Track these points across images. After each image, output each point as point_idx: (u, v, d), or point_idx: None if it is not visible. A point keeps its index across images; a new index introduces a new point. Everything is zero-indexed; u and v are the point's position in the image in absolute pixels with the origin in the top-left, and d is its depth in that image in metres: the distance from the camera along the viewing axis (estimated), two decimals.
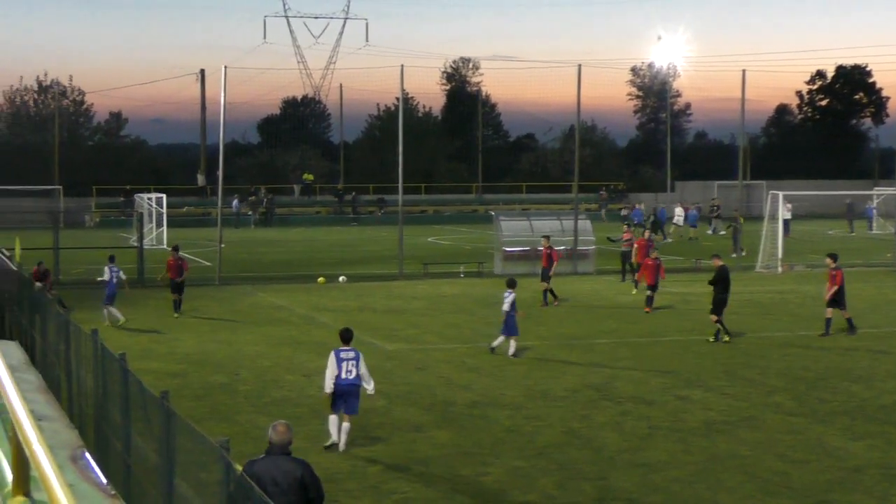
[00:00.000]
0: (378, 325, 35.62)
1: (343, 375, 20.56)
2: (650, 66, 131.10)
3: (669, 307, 39.32)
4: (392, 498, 17.80)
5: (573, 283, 46.80)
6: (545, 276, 41.33)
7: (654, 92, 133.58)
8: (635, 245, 45.68)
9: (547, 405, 24.12)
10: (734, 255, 56.88)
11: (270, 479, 12.64)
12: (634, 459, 20.04)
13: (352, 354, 20.77)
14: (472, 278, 50.30)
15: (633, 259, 45.42)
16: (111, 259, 37.68)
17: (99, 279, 37.33)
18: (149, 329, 35.05)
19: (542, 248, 43.11)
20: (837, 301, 33.41)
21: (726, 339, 32.33)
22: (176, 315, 37.44)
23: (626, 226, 52.98)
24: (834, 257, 34.03)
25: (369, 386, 21.00)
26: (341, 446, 20.69)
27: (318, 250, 66.11)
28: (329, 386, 20.73)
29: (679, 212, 79.76)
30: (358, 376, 20.69)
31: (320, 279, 48.09)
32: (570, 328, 35.27)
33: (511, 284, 30.49)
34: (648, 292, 38.65)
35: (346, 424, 20.80)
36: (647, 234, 47.53)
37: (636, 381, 26.74)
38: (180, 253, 39.70)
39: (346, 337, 21.21)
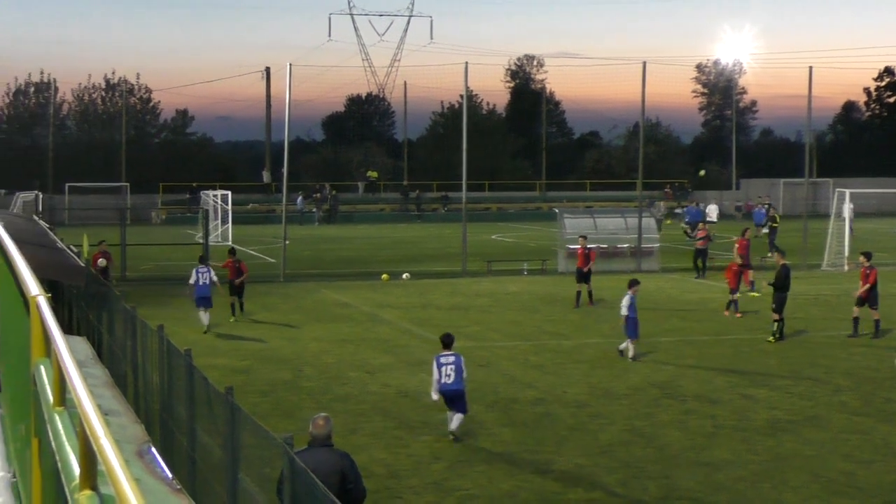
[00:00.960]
0: (441, 323, 35.57)
1: (442, 380, 20.84)
2: (716, 63, 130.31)
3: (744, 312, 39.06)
4: (455, 495, 17.82)
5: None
6: (583, 277, 40.21)
7: (719, 89, 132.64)
8: (736, 245, 42.43)
9: (610, 403, 24.05)
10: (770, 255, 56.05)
11: (312, 471, 12.68)
12: (698, 458, 19.95)
13: (451, 359, 21.01)
14: (536, 276, 50.21)
15: (735, 257, 42.93)
16: (201, 260, 36.52)
17: (191, 282, 34.83)
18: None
19: (577, 248, 41.98)
20: (868, 301, 32.97)
21: (771, 339, 32.00)
22: (233, 319, 36.01)
23: (701, 223, 52.41)
24: (868, 255, 33.63)
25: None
26: (451, 426, 21.19)
27: (382, 247, 66.23)
28: (434, 395, 21.21)
29: (713, 209, 79.01)
30: (457, 381, 20.89)
31: (384, 276, 48.18)
32: None
33: (632, 284, 29.98)
34: (732, 296, 37.44)
35: (458, 415, 21.24)
36: (747, 232, 43.74)
37: (700, 379, 26.60)
38: (236, 256, 38.15)
39: (446, 342, 21.53)
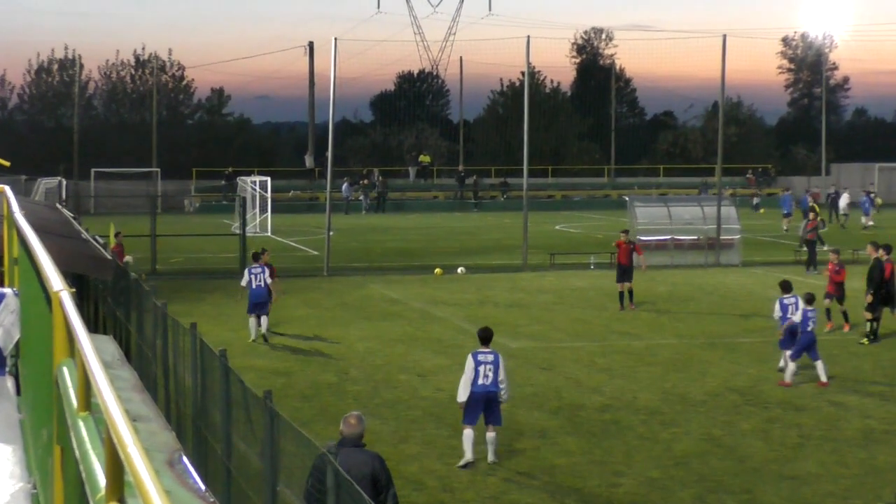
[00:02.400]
0: (500, 321, 35.57)
1: (479, 381, 20.13)
2: (803, 36, 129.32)
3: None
4: None
5: (715, 276, 46.45)
6: (624, 275, 38.90)
7: (807, 65, 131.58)
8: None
9: (685, 410, 23.98)
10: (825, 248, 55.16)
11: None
12: (783, 471, 19.87)
13: (490, 357, 20.38)
14: (604, 270, 50.00)
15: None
16: (255, 257, 33.74)
17: (243, 284, 32.59)
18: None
19: (620, 244, 39.99)
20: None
21: (864, 341, 31.79)
22: (252, 340, 32.17)
23: (811, 212, 51.69)
24: (876, 246, 33.20)
25: (503, 392, 20.52)
26: (490, 457, 20.37)
27: (436, 238, 66.31)
28: (463, 395, 20.37)
29: (846, 199, 77.70)
30: (495, 382, 20.22)
31: (437, 270, 48.25)
32: (711, 326, 34.96)
33: (786, 288, 28.13)
34: (827, 301, 34.13)
35: (490, 434, 20.42)
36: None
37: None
38: (266, 257, 34.08)
39: (484, 337, 20.87)
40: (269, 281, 32.07)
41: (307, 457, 12.14)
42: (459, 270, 48.49)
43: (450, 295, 42.09)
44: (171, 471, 4.04)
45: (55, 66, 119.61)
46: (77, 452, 4.43)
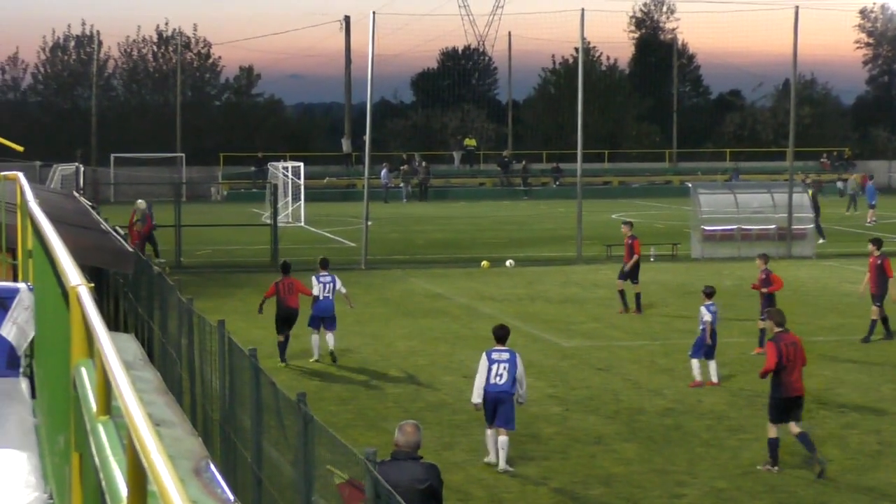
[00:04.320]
0: (553, 318, 35.65)
1: (492, 380, 20.38)
2: (883, 7, 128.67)
3: None
4: None
5: (787, 269, 46.22)
6: (629, 275, 37.78)
7: (888, 39, 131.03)
8: None
9: (754, 415, 23.89)
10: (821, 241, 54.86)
11: (394, 486, 12.71)
12: (861, 482, 19.82)
13: (506, 356, 20.65)
14: (665, 262, 50.04)
15: None
16: (323, 264, 31.51)
17: (314, 293, 30.38)
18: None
19: (626, 239, 39.03)
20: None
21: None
22: (314, 360, 30.25)
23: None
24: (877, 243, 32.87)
25: (522, 392, 20.75)
26: (501, 465, 20.56)
27: (482, 229, 66.34)
28: (476, 396, 20.69)
29: None
30: (509, 382, 20.41)
31: (484, 263, 48.26)
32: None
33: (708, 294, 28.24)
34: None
35: (502, 438, 20.59)
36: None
37: (864, 386, 26.38)
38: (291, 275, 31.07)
39: (500, 335, 21.16)
40: (343, 291, 30.43)
41: (344, 465, 12.17)
42: (508, 263, 48.46)
43: (497, 290, 42.10)
44: (197, 479, 4.06)
45: (72, 44, 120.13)
46: (96, 459, 4.45)
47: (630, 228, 39.50)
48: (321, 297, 29.94)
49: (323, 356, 30.01)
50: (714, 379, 26.97)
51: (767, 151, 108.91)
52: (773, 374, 20.77)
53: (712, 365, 27.01)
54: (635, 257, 37.63)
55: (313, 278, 30.28)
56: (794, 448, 21.82)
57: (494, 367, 20.44)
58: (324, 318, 30.13)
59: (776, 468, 20.68)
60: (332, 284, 30.30)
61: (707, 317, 27.20)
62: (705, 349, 27.08)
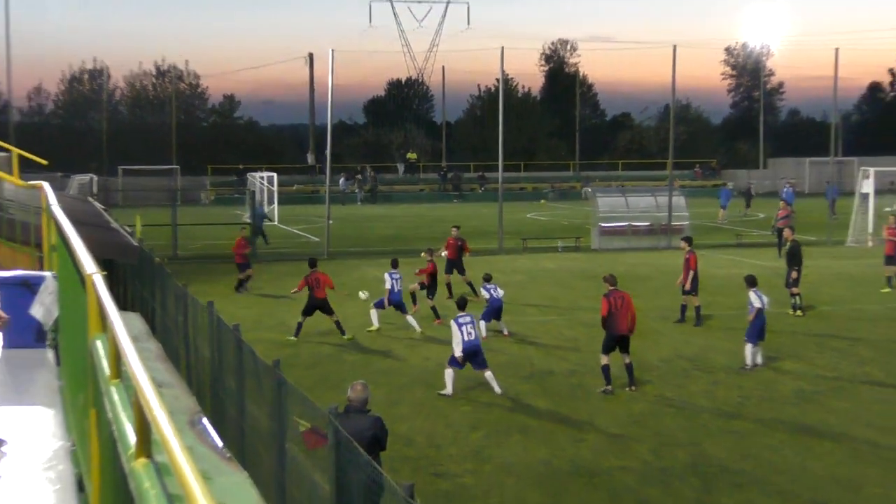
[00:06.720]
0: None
1: (465, 338, 22.13)
2: (744, 45, 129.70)
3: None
4: (492, 463, 17.88)
5: (667, 258, 46.44)
6: (454, 272, 36.39)
7: (747, 71, 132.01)
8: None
9: (642, 375, 24.00)
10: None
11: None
12: (726, 427, 19.96)
13: (468, 319, 22.50)
14: (570, 252, 50.16)
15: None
16: (393, 264, 31.50)
17: (387, 286, 30.66)
18: (273, 295, 35.43)
19: (450, 238, 37.84)
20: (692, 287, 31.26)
21: (799, 313, 31.95)
22: (347, 337, 29.13)
23: (782, 202, 51.43)
24: (688, 240, 32.48)
25: (483, 334, 23.32)
26: (497, 390, 22.33)
27: (421, 226, 66.13)
28: (458, 351, 22.27)
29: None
30: (476, 337, 22.45)
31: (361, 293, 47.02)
32: (664, 301, 34.87)
33: (751, 282, 26.12)
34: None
35: (488, 374, 22.55)
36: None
37: (728, 352, 26.51)
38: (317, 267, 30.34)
39: (461, 304, 23.45)
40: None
41: (312, 418, 12.16)
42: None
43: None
44: (192, 430, 4.06)
45: (85, 76, 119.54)
46: (110, 415, 4.45)
47: (458, 230, 38.34)
48: (395, 290, 30.41)
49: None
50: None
51: (652, 162, 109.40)
52: (606, 319, 22.79)
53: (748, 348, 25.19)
54: (466, 253, 36.61)
55: (387, 275, 30.64)
56: (673, 401, 21.94)
57: (464, 328, 22.21)
58: (399, 303, 30.55)
59: (609, 387, 22.50)
60: (399, 280, 30.62)
61: (757, 303, 25.28)
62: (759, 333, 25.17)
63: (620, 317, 22.75)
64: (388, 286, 30.53)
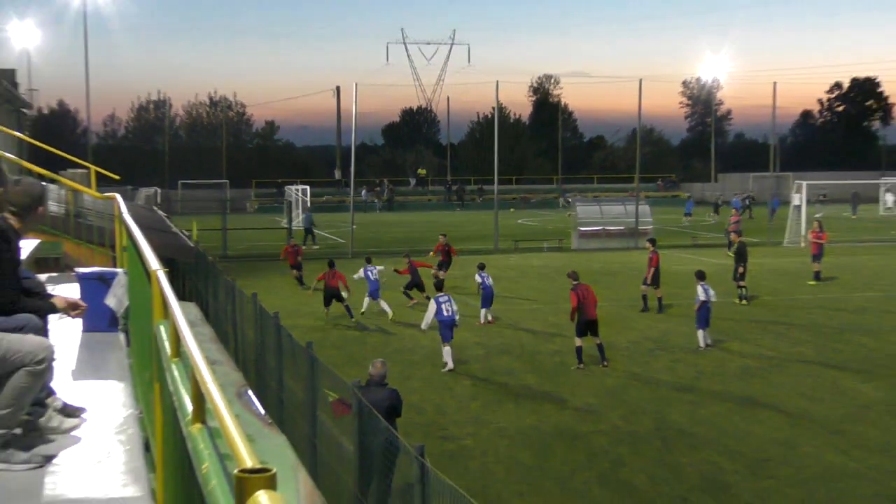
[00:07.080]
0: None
1: (444, 313, 22.49)
2: (698, 79, 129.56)
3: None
4: (489, 427, 17.88)
5: (635, 256, 46.37)
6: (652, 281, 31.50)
7: (701, 101, 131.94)
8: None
9: (613, 354, 23.99)
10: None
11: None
12: (684, 397, 19.94)
13: (445, 298, 22.97)
14: (554, 252, 50.11)
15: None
16: (367, 260, 31.36)
17: (355, 276, 30.38)
18: (297, 293, 35.42)
19: (438, 244, 37.34)
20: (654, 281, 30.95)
21: (744, 302, 31.93)
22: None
23: (734, 210, 51.37)
24: (654, 241, 32.30)
25: (457, 319, 23.03)
26: (450, 364, 22.37)
27: (430, 230, 66.00)
28: (427, 323, 23.67)
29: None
30: (453, 313, 22.59)
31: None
32: (633, 292, 34.82)
33: (700, 277, 25.48)
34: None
35: (447, 348, 22.59)
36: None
37: (686, 335, 26.45)
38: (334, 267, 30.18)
39: (438, 285, 24.27)
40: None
41: (339, 391, 12.16)
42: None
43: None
44: (239, 401, 4.07)
45: (151, 106, 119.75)
46: (171, 387, 4.45)
47: (445, 238, 38.13)
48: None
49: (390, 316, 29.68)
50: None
51: (622, 177, 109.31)
52: (576, 309, 22.82)
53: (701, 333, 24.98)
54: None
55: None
56: (640, 376, 21.92)
57: (443, 305, 22.63)
58: (373, 290, 30.08)
59: (581, 365, 22.60)
60: (374, 271, 30.38)
61: (702, 296, 24.76)
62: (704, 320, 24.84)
63: (588, 304, 22.91)
64: (363, 275, 30.16)
